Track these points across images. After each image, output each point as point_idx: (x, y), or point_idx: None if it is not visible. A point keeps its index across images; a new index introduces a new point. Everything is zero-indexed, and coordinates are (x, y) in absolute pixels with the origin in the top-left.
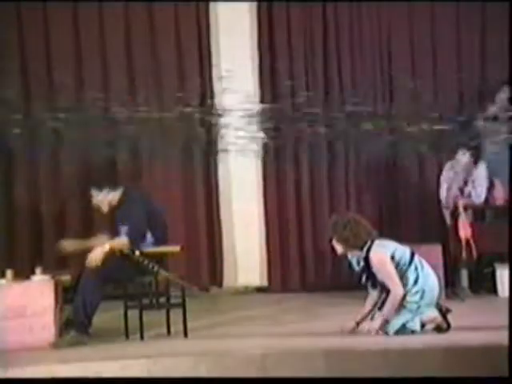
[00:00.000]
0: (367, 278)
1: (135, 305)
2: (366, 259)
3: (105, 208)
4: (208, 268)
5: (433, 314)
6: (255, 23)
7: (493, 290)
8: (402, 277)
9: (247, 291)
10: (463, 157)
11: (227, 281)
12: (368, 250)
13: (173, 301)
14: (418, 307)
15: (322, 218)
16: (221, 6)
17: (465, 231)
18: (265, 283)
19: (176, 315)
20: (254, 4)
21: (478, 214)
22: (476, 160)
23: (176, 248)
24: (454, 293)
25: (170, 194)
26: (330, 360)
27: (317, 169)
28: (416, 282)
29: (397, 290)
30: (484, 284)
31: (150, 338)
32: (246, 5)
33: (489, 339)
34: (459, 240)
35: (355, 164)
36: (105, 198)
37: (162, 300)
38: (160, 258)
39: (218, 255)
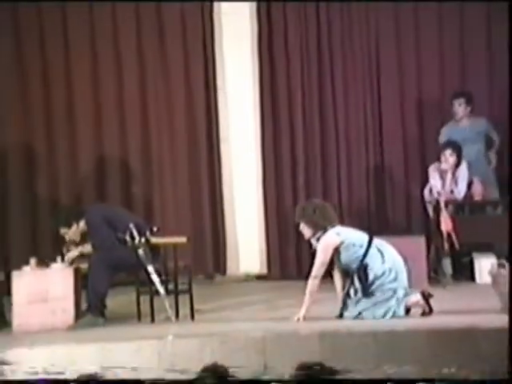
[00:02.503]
0: None
1: (146, 291)
2: (318, 239)
3: (77, 238)
4: (212, 258)
5: (415, 298)
6: (255, 29)
7: (471, 277)
8: (361, 262)
9: (248, 278)
10: (451, 157)
11: (230, 269)
12: (324, 233)
13: (181, 287)
14: (395, 289)
15: None
16: (224, 12)
17: (446, 225)
18: (264, 271)
19: (184, 300)
20: (254, 8)
21: (459, 208)
22: (459, 160)
23: (183, 239)
24: (437, 280)
25: (178, 191)
26: (323, 341)
27: (312, 169)
28: (383, 261)
29: (314, 273)
30: (464, 272)
31: (160, 320)
32: (247, 11)
33: (468, 322)
34: (441, 232)
35: (346, 163)
36: (76, 232)
37: (171, 286)
38: (157, 249)
39: (222, 246)
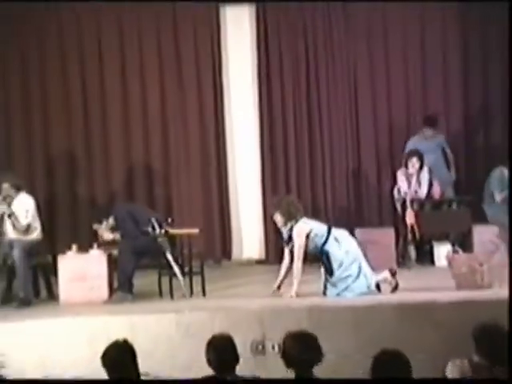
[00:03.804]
0: (289, 244)
1: (166, 273)
2: (291, 229)
3: (108, 237)
4: (220, 245)
5: (384, 274)
6: (255, 38)
7: (431, 261)
8: (322, 249)
9: (250, 263)
10: (416, 163)
11: (235, 255)
12: (296, 222)
13: (194, 270)
14: (359, 267)
15: (304, 207)
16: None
17: (410, 219)
18: (263, 257)
19: (196, 281)
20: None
21: (422, 205)
22: (421, 166)
23: (195, 230)
24: (403, 264)
25: (192, 191)
26: (311, 314)
27: (302, 173)
28: (340, 246)
29: (296, 256)
30: (425, 257)
31: (177, 297)
32: (247, 24)
33: (429, 297)
34: (406, 225)
35: (330, 167)
36: (106, 227)
37: (186, 269)
38: (174, 239)
39: (228, 236)
